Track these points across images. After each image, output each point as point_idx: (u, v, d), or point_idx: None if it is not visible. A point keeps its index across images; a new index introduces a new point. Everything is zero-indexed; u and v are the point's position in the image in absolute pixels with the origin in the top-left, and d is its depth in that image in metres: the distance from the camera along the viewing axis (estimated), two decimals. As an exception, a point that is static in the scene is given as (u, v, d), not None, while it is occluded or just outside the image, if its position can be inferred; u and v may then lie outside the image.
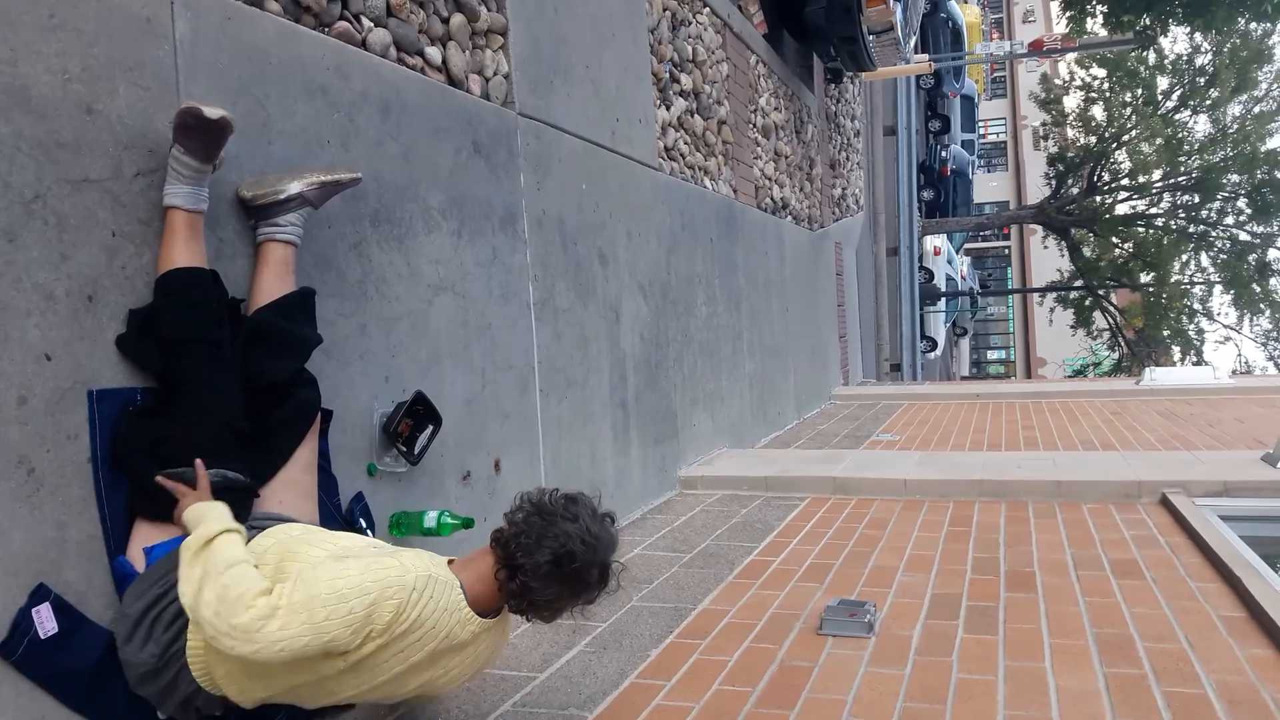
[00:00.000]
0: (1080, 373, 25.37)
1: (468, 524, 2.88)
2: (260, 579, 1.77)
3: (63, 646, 1.83)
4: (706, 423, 5.77)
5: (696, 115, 5.87)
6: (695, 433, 5.56)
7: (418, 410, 2.92)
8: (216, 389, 2.11)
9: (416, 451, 2.91)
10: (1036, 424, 7.30)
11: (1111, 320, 21.33)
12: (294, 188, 2.35)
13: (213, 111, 2.05)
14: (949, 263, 22.38)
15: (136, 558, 1.98)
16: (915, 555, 3.77)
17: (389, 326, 2.91)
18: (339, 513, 2.56)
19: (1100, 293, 20.93)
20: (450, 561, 2.00)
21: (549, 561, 1.87)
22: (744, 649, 2.86)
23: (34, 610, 1.79)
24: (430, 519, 2.83)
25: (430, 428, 2.96)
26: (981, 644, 2.81)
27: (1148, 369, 10.02)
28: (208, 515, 1.88)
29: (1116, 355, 22.19)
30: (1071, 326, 22.36)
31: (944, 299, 21.70)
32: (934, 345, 21.24)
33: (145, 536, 1.99)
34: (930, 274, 20.63)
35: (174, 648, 1.86)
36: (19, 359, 1.81)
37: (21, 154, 1.83)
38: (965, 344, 34.39)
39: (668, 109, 5.39)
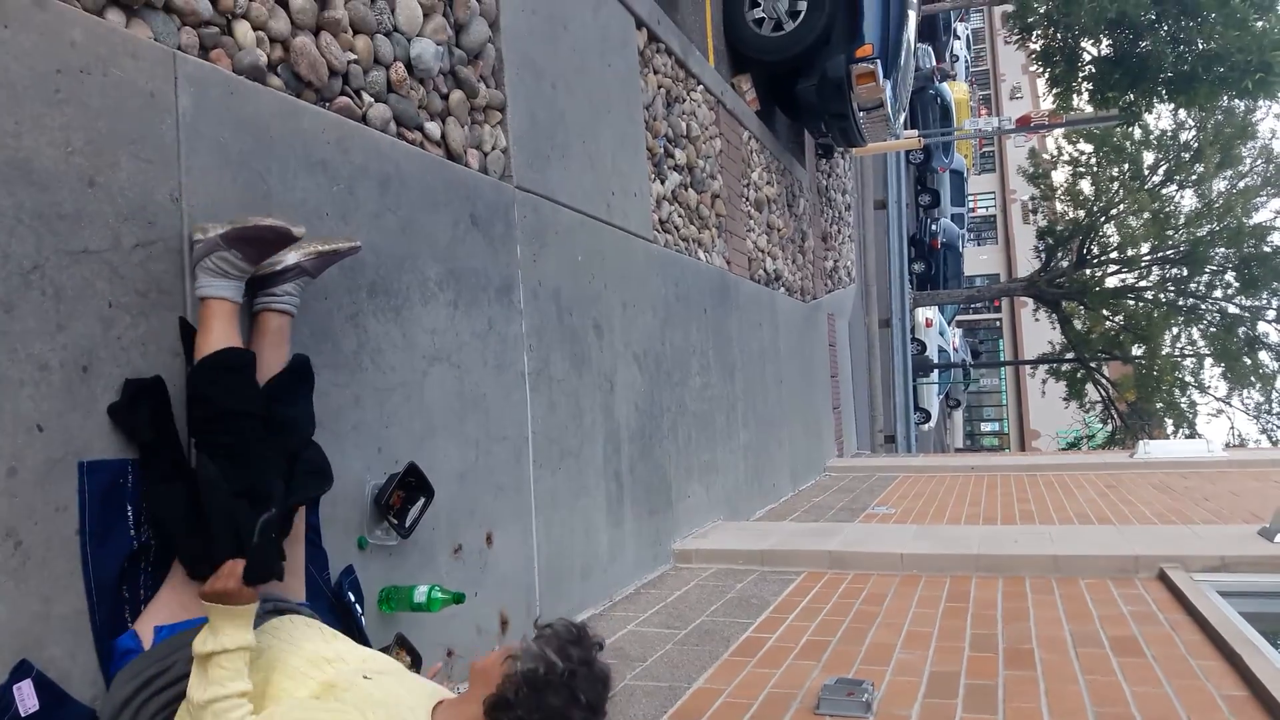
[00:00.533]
0: (1074, 445, 25.36)
1: (458, 599, 2.83)
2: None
3: (43, 725, 1.78)
4: (701, 494, 5.73)
5: (690, 189, 5.95)
6: (690, 504, 5.52)
7: (410, 482, 2.90)
8: (261, 462, 2.10)
9: (408, 524, 2.88)
10: (1032, 497, 7.26)
11: (1104, 393, 21.40)
12: (291, 258, 2.36)
13: (299, 230, 2.19)
14: (941, 334, 22.52)
15: (145, 634, 1.94)
16: (913, 632, 3.72)
17: (383, 398, 2.90)
18: (328, 587, 2.52)
19: (1092, 365, 21.03)
20: (439, 704, 1.89)
21: None
22: (739, 728, 2.80)
23: (15, 687, 1.75)
24: (420, 594, 2.79)
25: (422, 500, 2.93)
26: (981, 724, 2.76)
27: (1141, 442, 10.02)
28: (218, 621, 1.78)
29: (1110, 428, 22.21)
30: (1064, 399, 22.41)
31: (937, 370, 21.80)
32: (928, 417, 21.28)
33: (163, 614, 1.96)
34: (922, 345, 20.75)
35: (158, 738, 1.81)
36: (10, 430, 1.80)
37: (22, 225, 1.85)
38: (959, 416, 34.42)
39: (662, 183, 5.47)
